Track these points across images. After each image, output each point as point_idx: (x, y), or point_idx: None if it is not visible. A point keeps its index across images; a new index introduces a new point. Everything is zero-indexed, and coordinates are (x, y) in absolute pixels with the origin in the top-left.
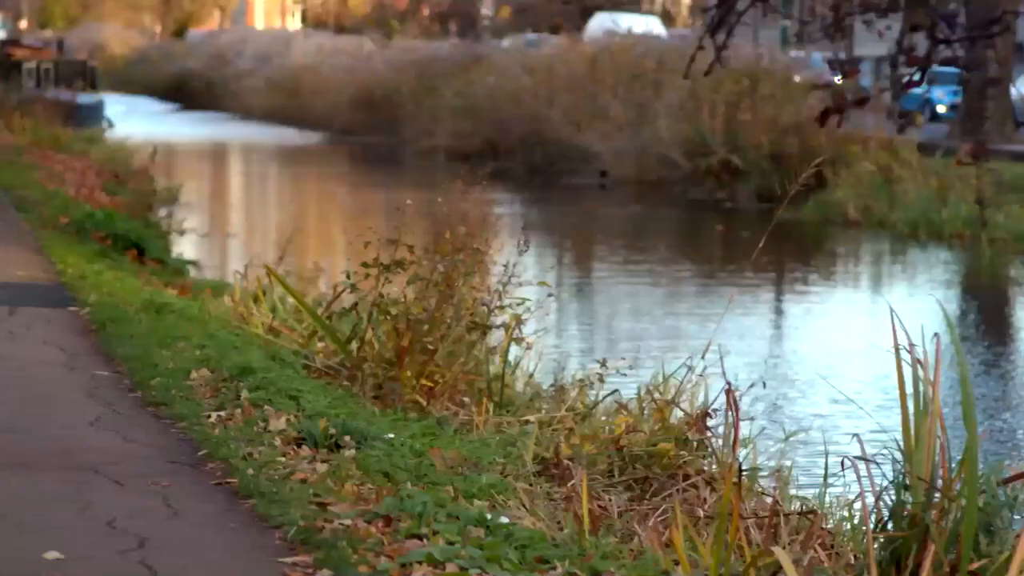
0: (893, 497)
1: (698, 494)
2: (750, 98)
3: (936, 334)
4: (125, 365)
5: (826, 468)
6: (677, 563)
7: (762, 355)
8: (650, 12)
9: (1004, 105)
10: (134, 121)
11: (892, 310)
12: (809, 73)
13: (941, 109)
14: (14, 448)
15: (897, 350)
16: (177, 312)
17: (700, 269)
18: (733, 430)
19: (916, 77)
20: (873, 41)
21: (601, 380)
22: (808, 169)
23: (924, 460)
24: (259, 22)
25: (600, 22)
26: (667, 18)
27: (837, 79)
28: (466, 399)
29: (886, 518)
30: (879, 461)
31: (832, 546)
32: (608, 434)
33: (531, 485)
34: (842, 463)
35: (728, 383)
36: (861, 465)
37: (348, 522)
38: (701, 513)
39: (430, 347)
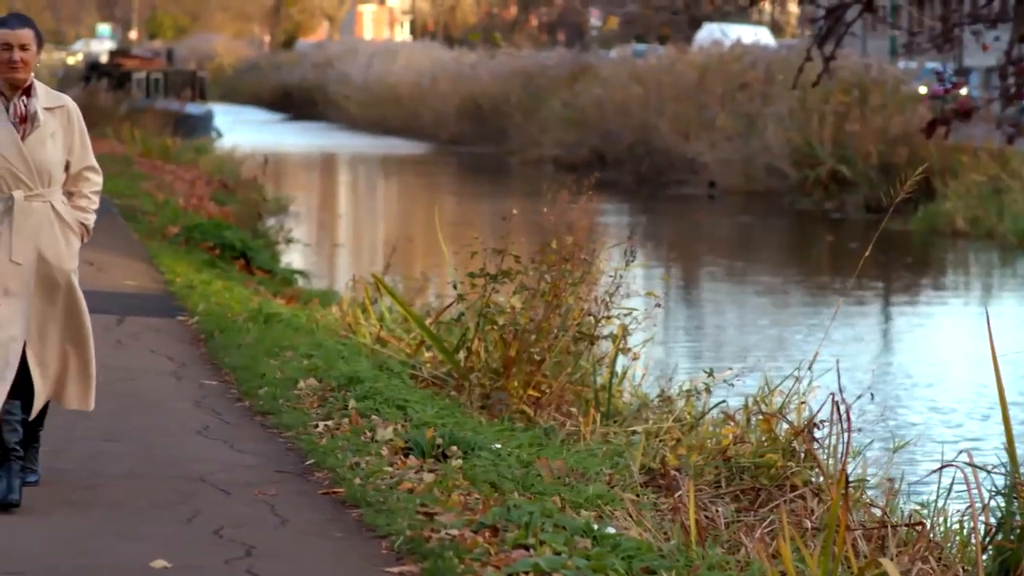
0: (1003, 507)
1: (805, 505)
2: (859, 108)
3: None
4: (233, 374)
5: (941, 480)
6: (784, 575)
7: (869, 365)
8: (759, 22)
9: None
10: (242, 131)
11: (988, 318)
12: (919, 84)
13: None
14: (122, 457)
15: (995, 358)
16: (285, 322)
17: (807, 279)
18: (841, 441)
19: None
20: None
21: (708, 391)
22: (913, 177)
23: None
24: (367, 33)
25: (709, 32)
26: (776, 28)
27: (944, 90)
28: (573, 409)
29: (995, 528)
30: (988, 470)
31: (940, 558)
32: (715, 445)
33: (638, 496)
34: (939, 469)
35: (836, 394)
36: (970, 474)
37: (455, 532)
38: (808, 524)
39: (537, 357)
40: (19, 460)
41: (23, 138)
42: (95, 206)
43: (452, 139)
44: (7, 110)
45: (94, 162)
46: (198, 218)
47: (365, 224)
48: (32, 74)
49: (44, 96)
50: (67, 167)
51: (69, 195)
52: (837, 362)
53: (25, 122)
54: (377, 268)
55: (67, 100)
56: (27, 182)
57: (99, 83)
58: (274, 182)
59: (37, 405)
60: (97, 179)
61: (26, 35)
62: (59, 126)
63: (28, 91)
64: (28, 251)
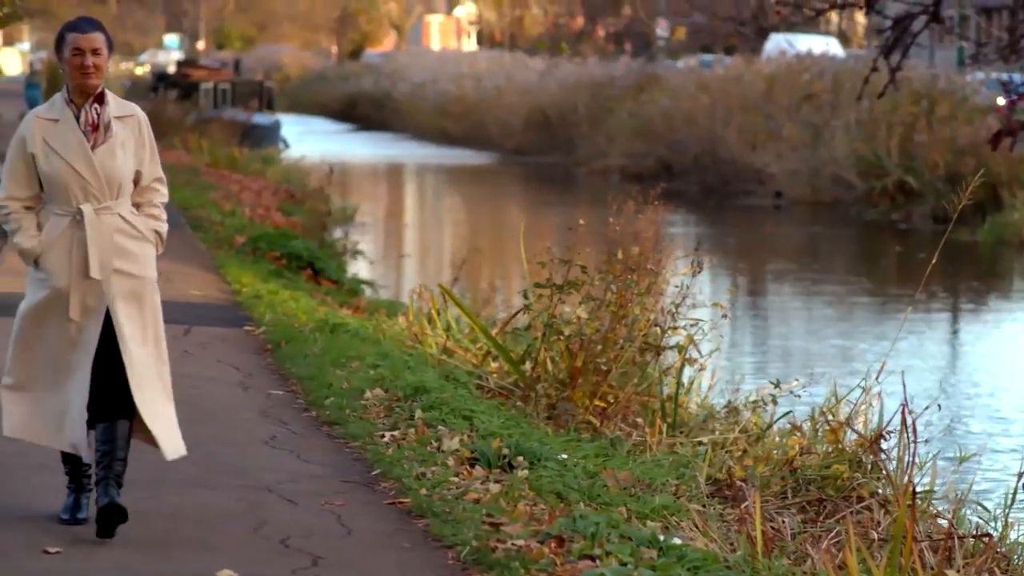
0: None
1: (872, 516)
2: (926, 119)
3: None
4: (299, 384)
5: (1014, 492)
6: None
7: (936, 376)
8: (826, 33)
9: None
10: (309, 141)
11: None
12: (987, 95)
13: None
14: (189, 467)
15: None
16: (351, 332)
17: (874, 289)
18: (907, 452)
19: None
20: None
21: (774, 401)
22: (972, 183)
23: None
24: (434, 43)
25: (777, 43)
26: (842, 39)
27: (1011, 101)
28: (639, 420)
29: None
30: None
31: (1007, 569)
32: (781, 455)
33: (704, 506)
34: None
35: (903, 404)
36: None
37: (521, 542)
38: (875, 536)
39: (603, 367)
40: (87, 474)
41: (93, 148)
42: (164, 216)
43: (519, 149)
44: (77, 118)
45: (162, 173)
46: (265, 228)
47: (431, 234)
48: (103, 81)
49: (114, 105)
50: (135, 178)
51: (137, 206)
52: (903, 373)
53: (96, 131)
54: (443, 278)
55: (136, 109)
56: (96, 194)
57: (167, 94)
58: (341, 192)
59: (151, 419)
60: (164, 191)
61: (98, 39)
62: (129, 136)
63: (100, 98)
64: (104, 265)
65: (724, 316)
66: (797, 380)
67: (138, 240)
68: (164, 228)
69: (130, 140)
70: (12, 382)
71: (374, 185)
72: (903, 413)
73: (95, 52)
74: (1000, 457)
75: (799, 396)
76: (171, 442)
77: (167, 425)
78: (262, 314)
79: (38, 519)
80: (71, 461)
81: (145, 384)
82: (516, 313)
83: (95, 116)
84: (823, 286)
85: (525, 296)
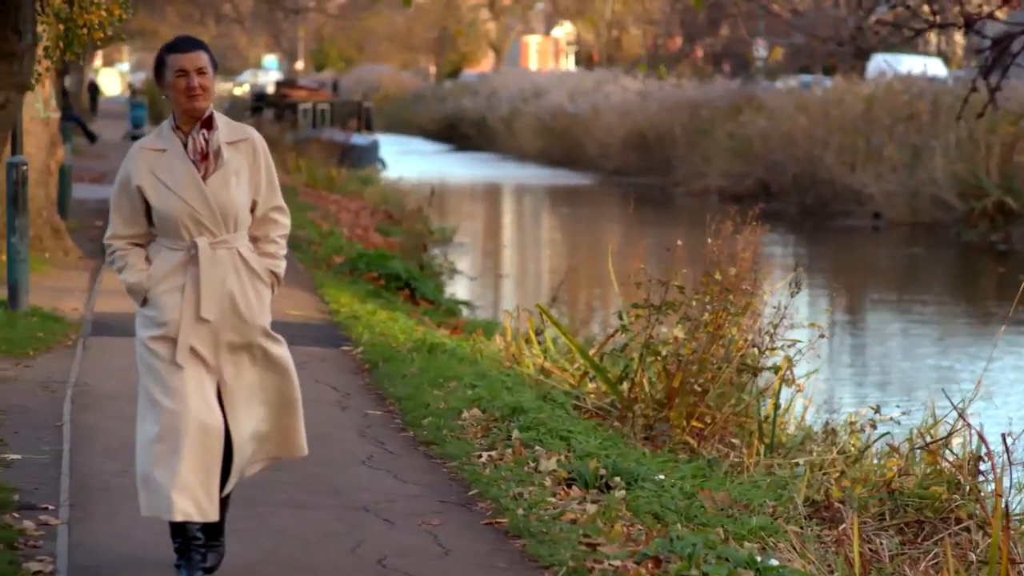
0: None
1: (970, 538)
2: None
3: None
4: (397, 404)
5: None
6: None
7: None
8: (925, 53)
9: None
10: (407, 161)
11: None
12: None
13: None
14: (287, 487)
15: None
16: (449, 352)
17: (973, 311)
18: (1005, 473)
19: None
20: None
21: (873, 426)
22: None
23: None
24: (533, 63)
25: (879, 64)
26: (943, 59)
27: None
28: (736, 441)
29: None
30: None
31: None
32: (879, 477)
33: (801, 528)
34: None
35: (1000, 427)
36: None
37: (618, 563)
38: (973, 557)
39: (700, 388)
40: (200, 547)
41: (205, 177)
42: (284, 252)
43: (617, 170)
44: (185, 146)
45: (282, 202)
46: (363, 248)
47: (529, 255)
48: (211, 103)
49: (225, 128)
50: (252, 208)
51: (254, 240)
52: (1000, 395)
53: (207, 159)
54: (541, 299)
55: (251, 132)
56: (211, 228)
57: (266, 114)
58: (439, 212)
59: (232, 482)
60: (285, 221)
61: (201, 58)
62: (244, 162)
63: (208, 123)
64: (217, 306)
65: (821, 336)
66: (898, 407)
67: (254, 280)
68: (281, 267)
69: (244, 167)
70: (151, 438)
71: (472, 205)
72: (1002, 435)
73: (200, 72)
74: None
75: (899, 424)
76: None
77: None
78: (360, 334)
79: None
80: (182, 534)
81: (253, 442)
82: (613, 334)
83: (204, 143)
84: (921, 307)
85: (620, 317)
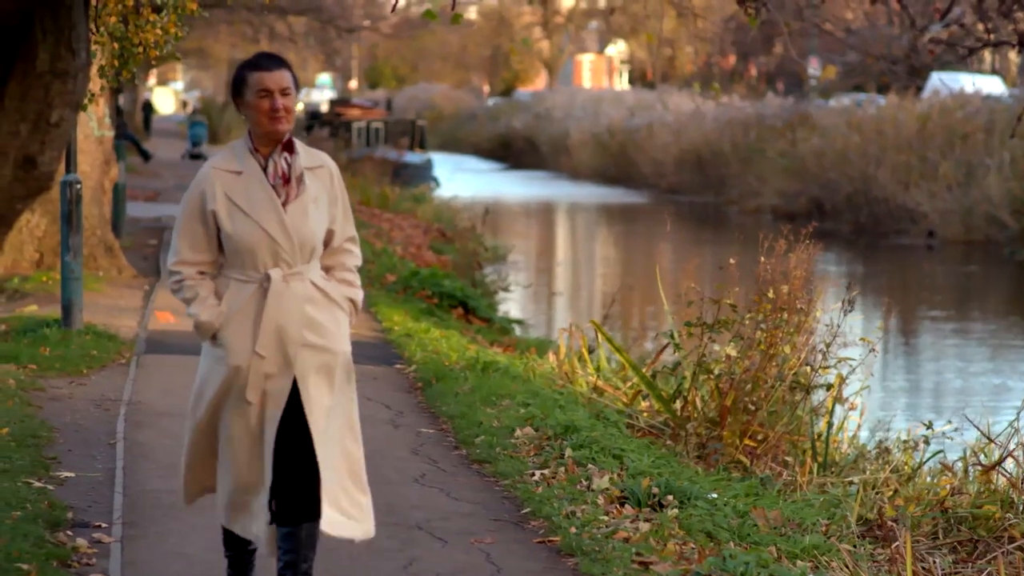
0: None
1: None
2: None
3: None
4: (450, 423)
5: None
6: None
7: None
8: (981, 71)
9: None
10: (460, 180)
11: None
12: None
13: None
14: None
15: None
16: (502, 370)
17: None
18: None
19: None
20: None
21: (926, 441)
22: None
23: None
24: (585, 81)
25: (937, 82)
26: (1000, 77)
27: None
28: (789, 459)
29: None
30: None
31: None
32: (932, 495)
33: (854, 546)
34: None
35: None
36: None
37: None
38: None
39: (753, 407)
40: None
41: (285, 204)
42: (359, 282)
43: (671, 188)
44: (264, 170)
45: (355, 232)
46: (416, 267)
47: (583, 273)
48: (293, 126)
49: (303, 153)
50: (327, 238)
51: (327, 269)
52: None
53: (288, 184)
54: (594, 317)
55: (327, 159)
56: (287, 258)
57: (320, 132)
58: (492, 230)
59: (331, 524)
60: (358, 252)
61: (285, 77)
62: (322, 190)
63: (289, 147)
64: (293, 340)
65: (872, 351)
66: (950, 422)
67: (332, 309)
68: (360, 295)
69: (323, 195)
70: (190, 488)
71: (526, 223)
72: None
73: (284, 92)
74: None
75: (952, 439)
76: (355, 529)
77: (355, 518)
78: (413, 352)
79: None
80: (235, 547)
81: (334, 474)
82: (661, 350)
83: (285, 167)
84: (975, 324)
85: (672, 336)
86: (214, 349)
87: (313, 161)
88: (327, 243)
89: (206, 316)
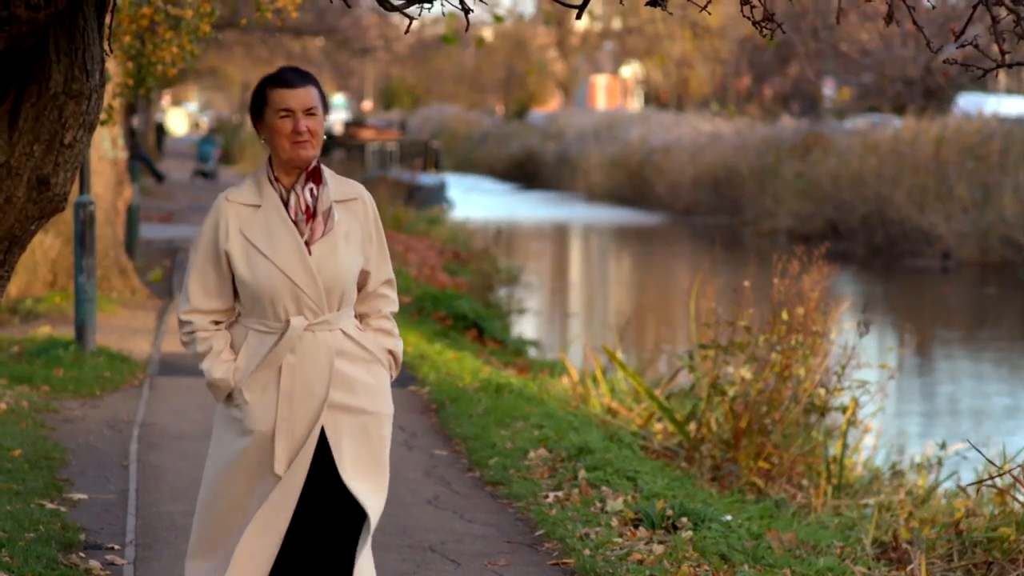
0: None
1: None
2: None
3: None
4: (463, 444)
5: None
6: None
7: None
8: (1008, 91)
9: None
10: (475, 201)
11: None
12: None
13: None
14: None
15: None
16: (515, 392)
17: None
18: None
19: None
20: None
21: (940, 463)
22: None
23: None
24: (601, 102)
25: (964, 103)
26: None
27: None
28: (804, 481)
29: None
30: None
31: None
32: (947, 518)
33: (869, 568)
34: None
35: None
36: None
37: None
38: None
39: (767, 429)
40: None
41: (310, 243)
42: (397, 331)
43: (686, 209)
44: (286, 204)
45: (392, 274)
46: (430, 288)
47: (597, 294)
48: (319, 152)
49: (333, 183)
50: (361, 281)
51: (360, 317)
52: None
53: (313, 220)
54: (608, 338)
55: (360, 189)
56: (312, 306)
57: (335, 154)
58: (506, 252)
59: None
60: (395, 297)
61: (311, 95)
62: (355, 226)
63: (315, 176)
64: (320, 398)
65: (891, 377)
66: (964, 442)
67: (368, 363)
68: (399, 346)
69: (355, 231)
70: (198, 563)
71: (540, 245)
72: None
73: (309, 113)
74: None
75: (967, 458)
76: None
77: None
78: (426, 374)
79: None
80: None
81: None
82: (675, 373)
83: (310, 200)
84: (990, 345)
85: (690, 358)
86: (230, 410)
87: (345, 193)
88: (361, 287)
89: (220, 373)
